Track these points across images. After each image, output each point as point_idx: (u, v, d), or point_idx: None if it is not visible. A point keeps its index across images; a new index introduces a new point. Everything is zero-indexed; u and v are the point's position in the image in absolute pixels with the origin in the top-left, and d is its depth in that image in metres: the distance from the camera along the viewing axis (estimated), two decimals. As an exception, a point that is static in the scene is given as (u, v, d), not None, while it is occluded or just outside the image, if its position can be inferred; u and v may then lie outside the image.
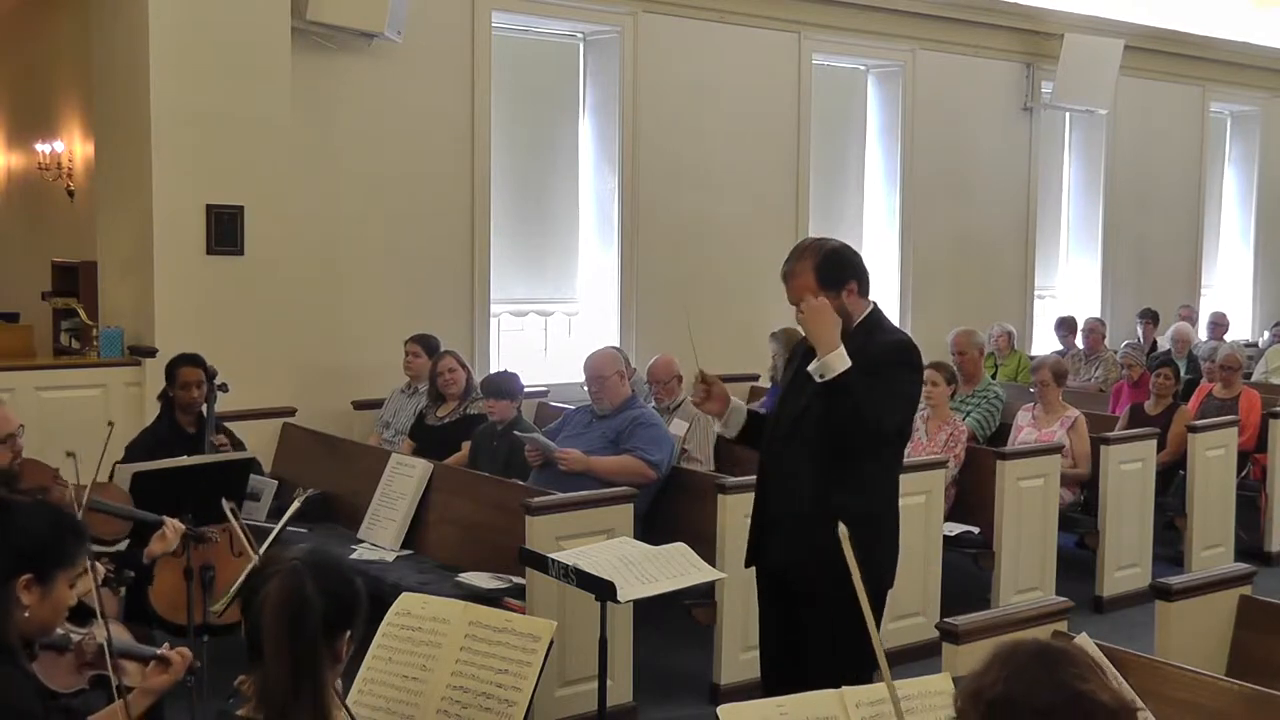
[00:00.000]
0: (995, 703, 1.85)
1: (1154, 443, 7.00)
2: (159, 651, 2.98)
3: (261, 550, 4.20)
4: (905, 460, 6.13)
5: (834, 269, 3.77)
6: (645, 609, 4.79)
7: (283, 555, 2.50)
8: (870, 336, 3.78)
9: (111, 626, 2.95)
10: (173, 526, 4.05)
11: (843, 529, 2.62)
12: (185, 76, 6.69)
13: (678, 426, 6.27)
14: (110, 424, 4.35)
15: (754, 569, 3.97)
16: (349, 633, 2.47)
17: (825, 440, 3.69)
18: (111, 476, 4.53)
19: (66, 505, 3.13)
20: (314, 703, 2.36)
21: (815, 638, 3.72)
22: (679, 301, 8.90)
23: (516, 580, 4.83)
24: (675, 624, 5.39)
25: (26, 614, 2.61)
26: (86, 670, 3.02)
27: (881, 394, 3.63)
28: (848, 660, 3.47)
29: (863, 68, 10.34)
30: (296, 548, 2.57)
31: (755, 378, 8.55)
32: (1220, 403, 8.02)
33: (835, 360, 3.58)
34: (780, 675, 3.84)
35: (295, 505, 4.38)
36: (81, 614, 3.07)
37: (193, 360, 5.65)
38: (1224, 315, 11.58)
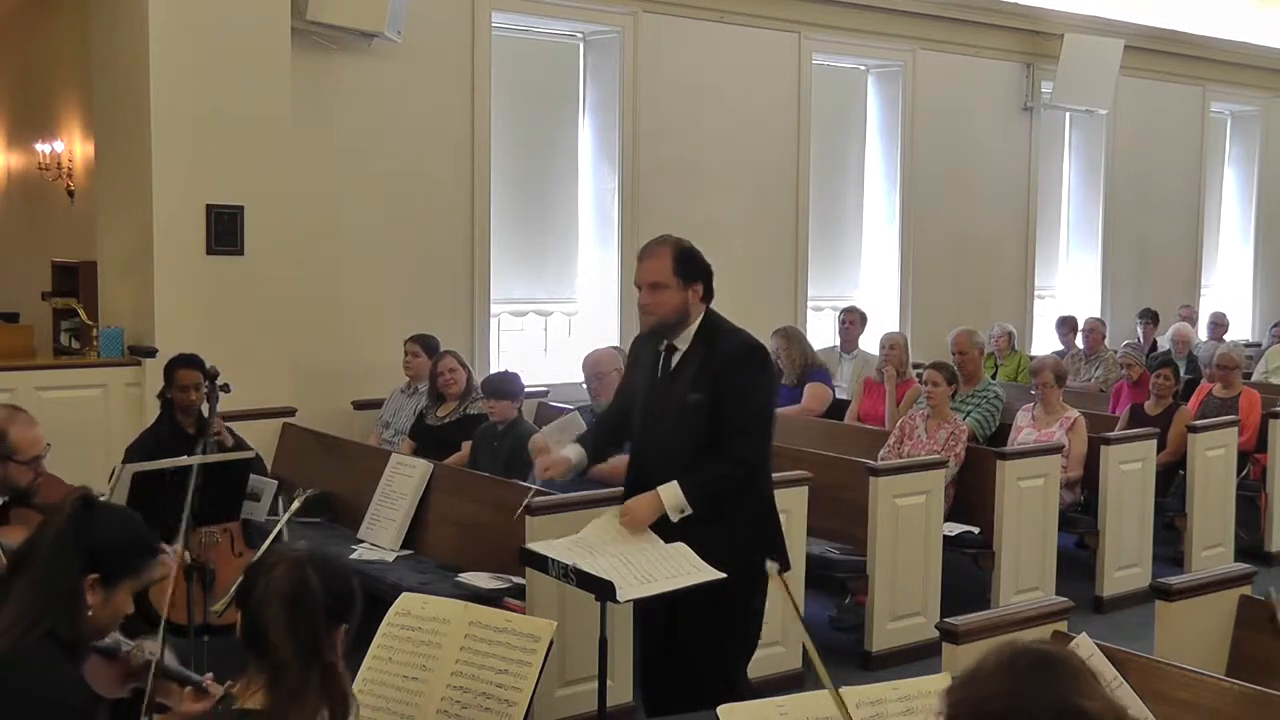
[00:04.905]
0: (994, 716, 1.82)
1: (1154, 443, 7.00)
2: (201, 680, 2.97)
3: (262, 550, 4.20)
4: (906, 460, 6.22)
5: (690, 263, 4.00)
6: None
7: (282, 549, 2.53)
8: (712, 344, 3.98)
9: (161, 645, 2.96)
10: (174, 555, 4.01)
11: (772, 566, 2.64)
12: (185, 76, 6.69)
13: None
14: (123, 465, 4.34)
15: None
16: (345, 626, 2.50)
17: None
18: (113, 476, 4.52)
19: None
20: (323, 681, 2.40)
21: (695, 627, 3.93)
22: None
23: (516, 580, 4.83)
24: (675, 624, 5.37)
25: (90, 613, 2.64)
26: (129, 681, 3.02)
27: (739, 434, 3.90)
28: (730, 634, 3.87)
29: (863, 68, 10.34)
30: (296, 544, 2.60)
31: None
32: (1220, 403, 8.02)
33: (671, 500, 3.90)
34: (659, 674, 4.10)
35: (295, 505, 4.38)
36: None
37: (190, 362, 5.59)
38: (1224, 315, 11.58)
